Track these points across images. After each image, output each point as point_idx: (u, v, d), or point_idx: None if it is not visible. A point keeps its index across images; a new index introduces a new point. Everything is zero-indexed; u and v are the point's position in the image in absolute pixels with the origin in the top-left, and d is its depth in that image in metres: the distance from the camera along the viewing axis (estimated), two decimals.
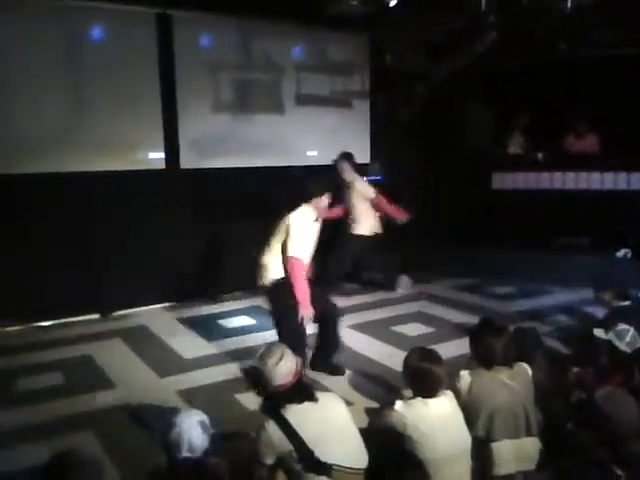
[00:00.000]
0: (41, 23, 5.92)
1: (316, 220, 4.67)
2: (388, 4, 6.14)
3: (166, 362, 5.22)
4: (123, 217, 6.39)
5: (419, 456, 2.59)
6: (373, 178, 7.73)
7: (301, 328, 4.47)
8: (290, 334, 4.41)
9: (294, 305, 4.39)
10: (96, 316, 6.45)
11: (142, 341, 5.76)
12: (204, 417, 2.74)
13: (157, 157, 6.72)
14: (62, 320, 6.24)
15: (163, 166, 6.73)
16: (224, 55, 7.04)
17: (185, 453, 2.55)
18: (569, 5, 5.60)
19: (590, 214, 7.33)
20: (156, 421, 3.64)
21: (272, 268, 4.55)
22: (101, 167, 6.28)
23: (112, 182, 6.31)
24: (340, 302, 6.89)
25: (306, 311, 4.39)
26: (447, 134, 8.31)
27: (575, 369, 3.88)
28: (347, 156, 6.84)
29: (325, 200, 4.64)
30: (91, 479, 2.37)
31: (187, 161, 6.87)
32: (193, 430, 2.57)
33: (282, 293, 4.47)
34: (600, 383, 3.33)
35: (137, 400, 4.40)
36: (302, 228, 4.49)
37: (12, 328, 5.99)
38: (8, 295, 5.76)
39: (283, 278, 4.49)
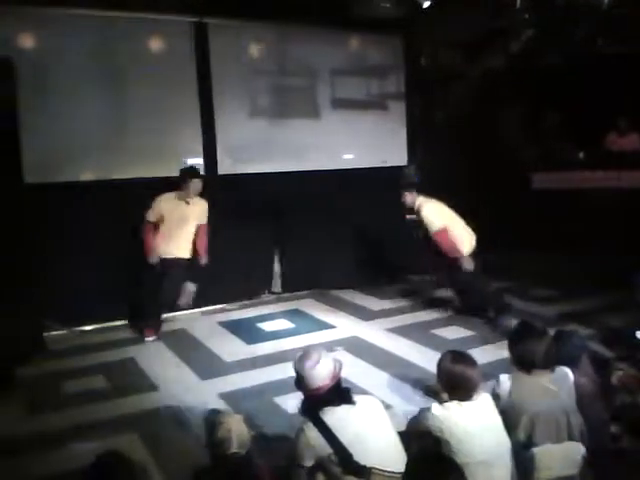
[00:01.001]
0: (82, 34, 6.09)
1: None
2: (422, 5, 6.12)
3: (207, 365, 5.30)
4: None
5: (456, 460, 2.57)
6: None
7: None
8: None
9: None
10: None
11: (183, 344, 5.86)
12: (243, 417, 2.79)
13: (195, 163, 6.81)
14: (105, 324, 6.40)
15: (202, 172, 6.82)
16: (260, 61, 7.13)
17: (235, 449, 2.59)
18: (605, 0, 5.49)
19: (632, 214, 7.15)
20: (199, 423, 3.71)
21: None
22: (141, 174, 6.41)
23: (151, 189, 6.42)
24: (379, 305, 6.97)
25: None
26: (484, 134, 8.23)
27: (618, 372, 3.81)
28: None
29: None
30: None
31: (225, 166, 6.96)
32: (241, 426, 2.62)
33: None
34: None
35: (179, 402, 4.48)
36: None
37: (57, 332, 6.15)
38: (53, 300, 5.90)
39: None
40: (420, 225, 5.95)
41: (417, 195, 5.96)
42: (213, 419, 2.72)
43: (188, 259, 6.00)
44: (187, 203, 5.93)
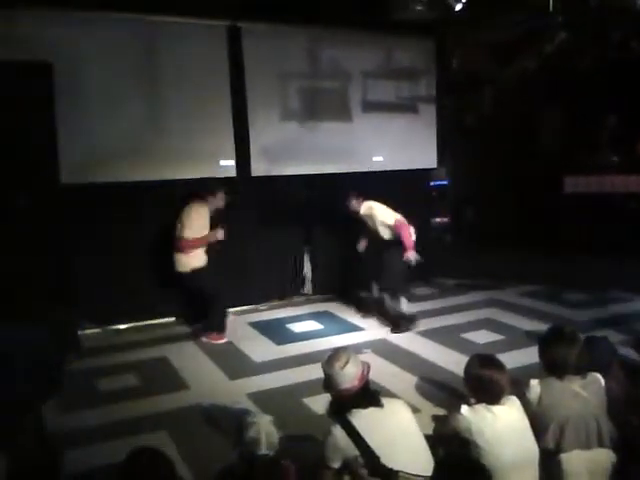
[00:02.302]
0: (117, 37, 6.18)
1: None
2: (454, 8, 6.08)
3: (237, 365, 5.37)
4: None
5: (484, 463, 2.57)
6: (440, 183, 7.68)
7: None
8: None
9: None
10: (171, 319, 6.68)
11: (215, 344, 5.93)
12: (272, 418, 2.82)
13: (228, 164, 6.89)
14: (139, 323, 6.51)
15: (234, 174, 6.91)
16: (292, 64, 7.16)
17: (264, 450, 2.62)
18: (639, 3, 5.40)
19: None
20: (228, 422, 3.75)
21: None
22: (175, 176, 6.50)
23: (185, 189, 6.51)
24: (409, 308, 6.95)
25: None
26: (516, 138, 8.16)
27: None
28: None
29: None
30: (166, 478, 2.47)
31: (257, 168, 7.02)
32: (270, 427, 2.66)
33: None
34: None
35: (209, 401, 4.54)
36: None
37: (92, 331, 6.28)
38: (87, 299, 6.03)
39: None
40: (369, 224, 6.27)
41: (362, 200, 6.28)
42: (244, 419, 2.76)
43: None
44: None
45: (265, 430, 2.65)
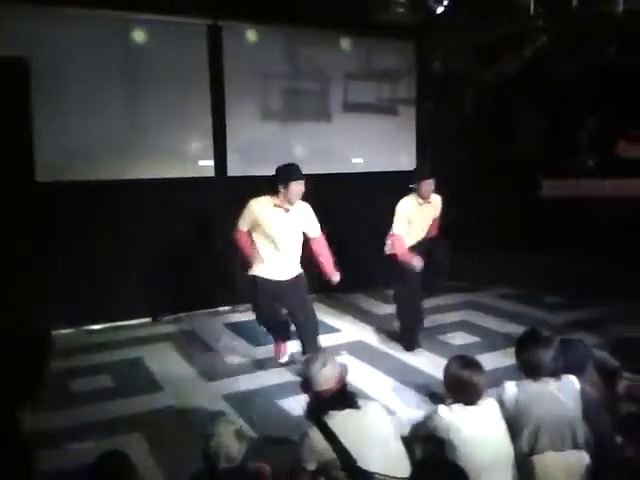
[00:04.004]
0: (96, 34, 6.11)
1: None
2: (435, 11, 6.11)
3: (213, 366, 5.31)
4: (172, 223, 6.53)
5: (460, 464, 2.57)
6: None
7: None
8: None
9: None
10: (146, 320, 6.61)
11: (190, 345, 5.88)
12: (239, 426, 2.75)
13: (206, 165, 6.85)
14: (113, 323, 6.42)
15: (212, 174, 6.86)
16: (272, 64, 7.13)
17: (223, 464, 2.55)
18: (620, 9, 5.47)
19: None
20: (203, 424, 3.70)
21: None
22: (152, 175, 6.44)
23: (163, 189, 6.47)
24: (385, 309, 6.96)
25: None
26: (495, 140, 8.21)
27: (625, 382, 3.79)
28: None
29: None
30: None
31: (235, 169, 6.98)
32: (230, 441, 2.58)
33: None
34: None
35: (183, 403, 4.49)
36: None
37: (65, 331, 6.18)
38: (61, 299, 5.93)
39: None
40: None
41: None
42: (208, 430, 2.70)
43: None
44: (287, 211, 4.76)
45: (225, 443, 2.57)
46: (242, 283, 5.27)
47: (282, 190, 4.64)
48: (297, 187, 4.65)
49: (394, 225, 5.38)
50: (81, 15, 5.99)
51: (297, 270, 4.95)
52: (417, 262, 5.24)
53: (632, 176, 7.50)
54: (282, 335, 5.25)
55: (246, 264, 4.96)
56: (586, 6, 5.59)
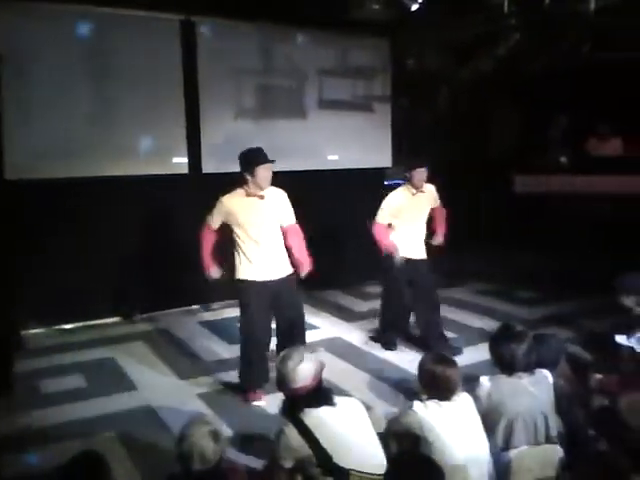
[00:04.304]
0: (68, 30, 6.03)
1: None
2: (410, 8, 6.13)
3: (187, 365, 5.27)
4: (145, 221, 6.46)
5: (436, 460, 2.58)
6: (395, 182, 7.71)
7: None
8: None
9: None
10: (119, 319, 6.53)
11: (164, 344, 5.83)
12: (215, 426, 2.70)
13: (180, 162, 6.79)
14: (85, 323, 6.34)
15: (186, 171, 6.80)
16: (246, 60, 7.09)
17: (197, 466, 2.50)
18: (592, 7, 5.54)
19: (617, 218, 7.21)
20: (177, 424, 3.65)
21: None
22: (125, 172, 6.35)
23: (135, 187, 6.39)
24: (362, 306, 6.98)
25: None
26: (470, 138, 8.26)
27: (597, 376, 3.84)
28: None
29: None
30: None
31: (209, 166, 6.92)
32: (204, 441, 2.53)
33: None
34: (622, 390, 3.29)
35: (157, 403, 4.44)
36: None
37: (37, 330, 6.09)
38: (32, 298, 5.85)
39: None
40: None
41: None
42: (181, 431, 2.65)
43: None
44: (261, 197, 4.50)
45: (199, 444, 2.52)
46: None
47: (249, 178, 4.41)
48: (264, 172, 4.39)
49: (377, 215, 5.35)
50: (49, 10, 5.87)
51: (287, 269, 4.61)
52: (398, 254, 5.21)
53: (602, 173, 7.61)
54: (259, 379, 4.59)
55: (203, 265, 4.68)
56: (559, 4, 5.65)
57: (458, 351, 5.20)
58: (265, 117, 7.30)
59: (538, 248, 7.38)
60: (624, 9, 5.79)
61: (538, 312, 6.55)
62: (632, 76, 7.27)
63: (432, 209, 5.55)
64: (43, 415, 4.29)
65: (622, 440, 2.73)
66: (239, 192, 4.52)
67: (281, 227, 4.61)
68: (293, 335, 4.55)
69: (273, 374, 3.24)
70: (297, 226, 4.72)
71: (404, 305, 5.55)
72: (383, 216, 5.34)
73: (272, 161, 4.44)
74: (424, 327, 5.48)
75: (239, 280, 4.53)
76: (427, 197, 5.43)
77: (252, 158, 4.41)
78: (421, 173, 5.26)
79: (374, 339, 5.78)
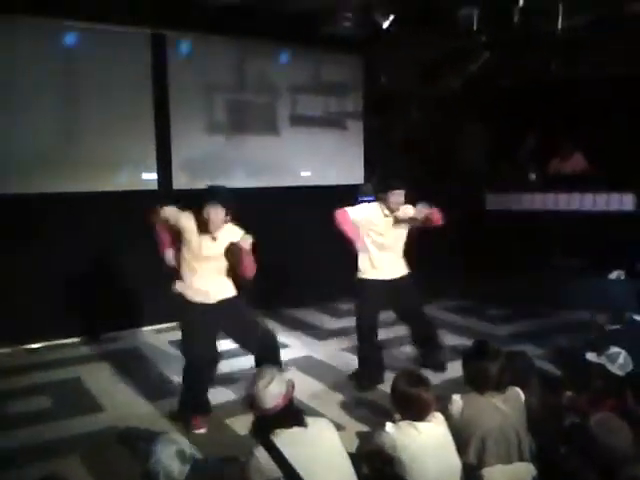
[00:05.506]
0: (35, 43, 5.92)
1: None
2: (381, 25, 6.18)
3: (155, 386, 5.17)
4: (115, 238, 6.34)
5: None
6: (367, 199, 7.72)
7: None
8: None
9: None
10: (86, 338, 6.38)
11: (132, 364, 5.70)
12: (183, 446, 2.64)
13: (150, 178, 6.71)
14: (51, 342, 6.19)
15: (156, 187, 6.71)
16: (218, 76, 7.06)
17: None
18: (560, 26, 5.65)
19: (584, 235, 7.30)
20: (144, 446, 3.58)
21: None
22: (93, 188, 6.25)
23: (104, 203, 6.28)
24: (333, 324, 6.93)
25: None
26: (441, 154, 8.33)
27: (568, 393, 3.85)
28: None
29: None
30: None
31: (180, 181, 6.85)
32: (170, 461, 2.48)
33: None
34: (593, 407, 3.30)
35: (125, 424, 4.33)
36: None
37: (0, 350, 5.92)
38: None
39: None
40: None
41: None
42: (148, 448, 2.58)
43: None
44: (214, 240, 4.27)
45: (165, 463, 2.47)
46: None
47: (204, 214, 4.11)
48: (213, 212, 4.08)
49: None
50: (17, 24, 5.78)
51: (229, 291, 4.44)
52: (361, 243, 4.92)
53: (567, 191, 7.73)
54: (202, 404, 4.46)
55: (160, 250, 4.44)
56: (527, 23, 5.74)
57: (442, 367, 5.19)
58: (237, 133, 7.28)
59: (508, 265, 7.42)
60: (591, 27, 5.91)
61: (509, 329, 6.59)
62: (601, 94, 7.41)
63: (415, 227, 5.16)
64: (8, 437, 4.17)
65: (593, 457, 2.72)
66: (197, 222, 4.23)
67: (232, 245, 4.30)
68: (268, 355, 4.41)
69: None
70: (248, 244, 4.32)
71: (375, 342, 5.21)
72: (351, 210, 5.02)
73: (219, 203, 4.12)
74: (421, 343, 5.43)
75: (179, 294, 4.39)
76: (402, 219, 5.06)
77: (204, 195, 4.20)
78: (398, 195, 4.92)
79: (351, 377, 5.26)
